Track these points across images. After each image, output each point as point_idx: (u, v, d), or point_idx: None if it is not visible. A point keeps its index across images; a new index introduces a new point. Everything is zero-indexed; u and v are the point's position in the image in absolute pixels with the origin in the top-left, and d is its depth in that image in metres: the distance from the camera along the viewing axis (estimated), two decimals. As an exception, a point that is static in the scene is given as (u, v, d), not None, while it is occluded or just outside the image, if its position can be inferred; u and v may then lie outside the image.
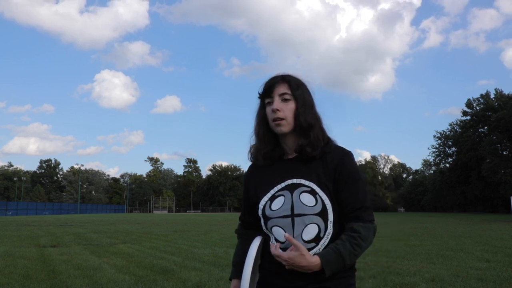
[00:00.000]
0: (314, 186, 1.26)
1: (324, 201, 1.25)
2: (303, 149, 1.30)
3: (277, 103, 1.30)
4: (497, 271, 6.15)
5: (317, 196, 1.25)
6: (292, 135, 1.33)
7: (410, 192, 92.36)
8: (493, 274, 5.93)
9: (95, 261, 7.54)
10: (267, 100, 1.34)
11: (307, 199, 1.24)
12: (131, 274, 6.22)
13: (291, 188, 1.28)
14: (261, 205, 1.32)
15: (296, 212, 1.24)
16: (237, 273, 1.39)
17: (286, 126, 1.30)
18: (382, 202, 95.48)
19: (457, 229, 17.44)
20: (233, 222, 26.75)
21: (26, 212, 60.63)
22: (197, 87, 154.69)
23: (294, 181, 1.29)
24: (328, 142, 1.33)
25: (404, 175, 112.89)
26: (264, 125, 1.36)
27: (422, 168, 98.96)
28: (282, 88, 1.31)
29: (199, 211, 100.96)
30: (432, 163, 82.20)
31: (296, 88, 1.32)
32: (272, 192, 1.32)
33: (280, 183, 1.32)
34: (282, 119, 1.29)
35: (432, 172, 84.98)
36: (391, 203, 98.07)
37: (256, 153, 1.39)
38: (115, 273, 6.26)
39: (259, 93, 1.37)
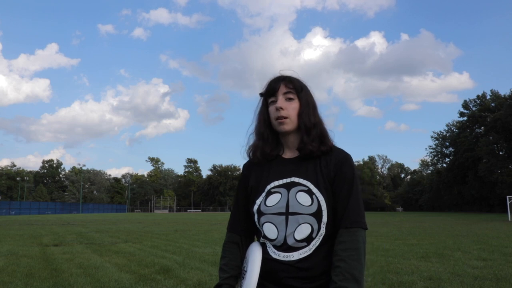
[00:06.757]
0: (311, 186, 1.25)
1: (320, 202, 1.23)
2: (305, 146, 1.30)
3: (281, 101, 1.30)
4: (494, 270, 6.22)
5: (314, 196, 1.24)
6: (294, 134, 1.34)
7: (408, 191, 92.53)
8: (489, 272, 6.01)
9: (97, 260, 7.57)
10: (270, 99, 1.34)
11: (303, 199, 1.24)
12: (132, 272, 6.26)
13: (288, 186, 1.28)
14: (258, 201, 1.31)
15: (291, 210, 1.23)
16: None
17: (289, 125, 1.30)
18: (380, 201, 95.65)
19: (454, 228, 17.52)
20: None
21: (29, 211, 60.60)
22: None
23: (292, 179, 1.29)
24: (330, 143, 1.34)
25: (402, 175, 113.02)
26: (266, 124, 1.36)
27: (419, 168, 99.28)
28: (286, 88, 1.32)
29: (200, 210, 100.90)
30: (430, 163, 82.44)
31: (300, 89, 1.33)
32: (268, 187, 1.31)
33: (277, 180, 1.31)
34: (285, 117, 1.29)
35: (429, 172, 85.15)
36: (389, 203, 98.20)
37: (256, 151, 1.37)
38: (116, 272, 6.30)
39: (261, 93, 1.37)
